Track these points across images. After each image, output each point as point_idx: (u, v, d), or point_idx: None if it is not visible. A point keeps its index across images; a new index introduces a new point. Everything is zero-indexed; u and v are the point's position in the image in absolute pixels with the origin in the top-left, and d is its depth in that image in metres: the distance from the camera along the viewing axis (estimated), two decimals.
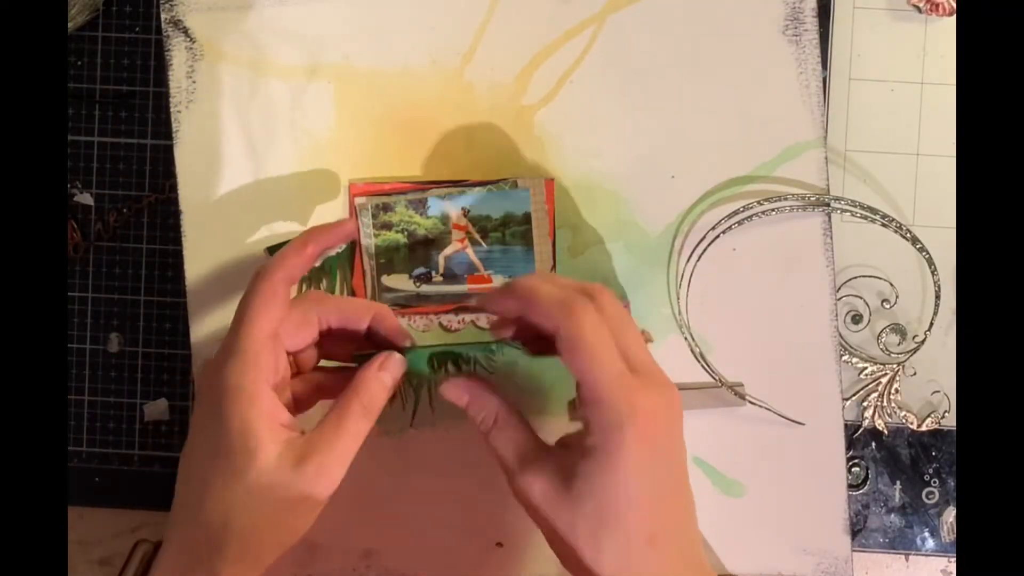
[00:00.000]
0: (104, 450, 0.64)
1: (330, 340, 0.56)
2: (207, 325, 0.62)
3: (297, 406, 0.55)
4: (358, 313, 0.55)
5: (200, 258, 0.61)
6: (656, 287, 0.61)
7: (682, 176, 0.61)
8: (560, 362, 0.50)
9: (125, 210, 0.64)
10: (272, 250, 0.61)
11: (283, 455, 0.50)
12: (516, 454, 0.51)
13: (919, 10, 0.62)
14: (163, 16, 0.61)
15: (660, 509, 0.49)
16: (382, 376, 0.53)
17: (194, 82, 0.61)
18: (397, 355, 0.54)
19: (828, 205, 0.61)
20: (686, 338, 0.61)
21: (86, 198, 0.64)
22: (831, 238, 0.61)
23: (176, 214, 0.61)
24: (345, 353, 0.56)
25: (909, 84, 0.62)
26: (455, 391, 0.54)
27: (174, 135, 0.61)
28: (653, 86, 0.61)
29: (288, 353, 0.54)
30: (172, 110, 0.61)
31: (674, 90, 0.61)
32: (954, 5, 0.61)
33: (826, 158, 0.61)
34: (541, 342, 0.53)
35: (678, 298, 0.61)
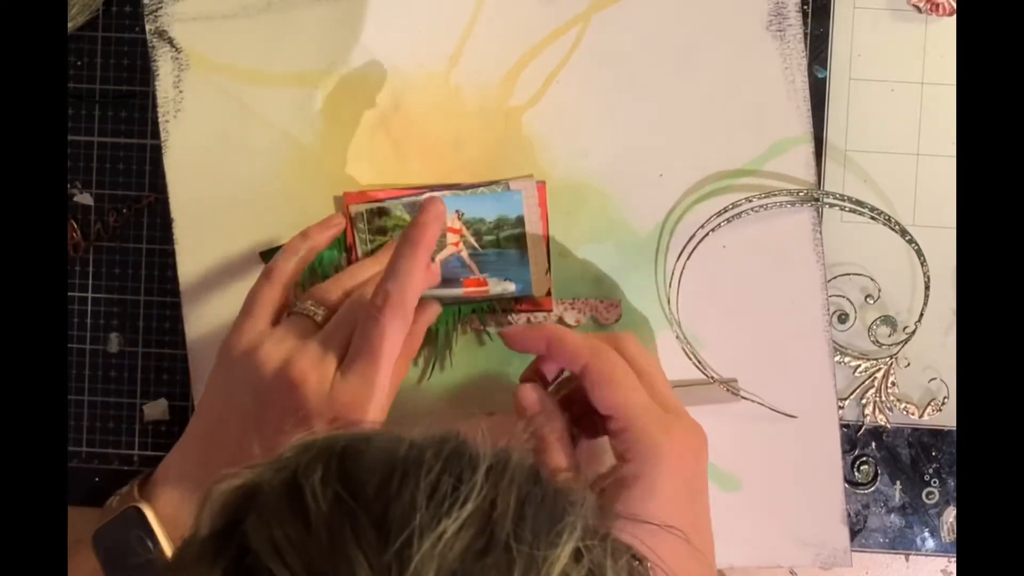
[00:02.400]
0: (104, 450, 0.64)
1: None
2: (202, 331, 0.62)
3: None
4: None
5: (193, 265, 0.61)
6: (646, 285, 0.61)
7: (670, 174, 0.61)
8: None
9: (125, 210, 0.64)
10: (266, 256, 0.61)
11: None
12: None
13: (919, 10, 0.62)
14: (147, 27, 0.61)
15: (692, 539, 0.51)
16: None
17: (181, 91, 0.61)
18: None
19: (817, 200, 0.61)
20: (677, 336, 0.61)
21: (86, 198, 0.64)
22: (820, 232, 0.61)
23: None
24: None
25: (909, 84, 0.62)
26: (529, 397, 0.54)
27: (163, 144, 0.61)
28: (639, 84, 0.61)
29: None
30: (160, 120, 0.61)
31: (660, 88, 0.61)
32: (954, 5, 0.61)
33: (814, 153, 0.61)
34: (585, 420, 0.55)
35: (668, 296, 0.61)
